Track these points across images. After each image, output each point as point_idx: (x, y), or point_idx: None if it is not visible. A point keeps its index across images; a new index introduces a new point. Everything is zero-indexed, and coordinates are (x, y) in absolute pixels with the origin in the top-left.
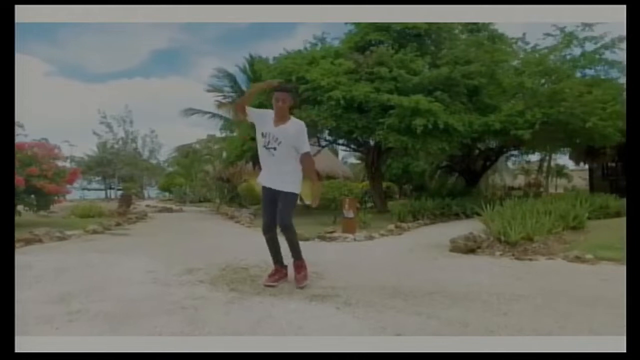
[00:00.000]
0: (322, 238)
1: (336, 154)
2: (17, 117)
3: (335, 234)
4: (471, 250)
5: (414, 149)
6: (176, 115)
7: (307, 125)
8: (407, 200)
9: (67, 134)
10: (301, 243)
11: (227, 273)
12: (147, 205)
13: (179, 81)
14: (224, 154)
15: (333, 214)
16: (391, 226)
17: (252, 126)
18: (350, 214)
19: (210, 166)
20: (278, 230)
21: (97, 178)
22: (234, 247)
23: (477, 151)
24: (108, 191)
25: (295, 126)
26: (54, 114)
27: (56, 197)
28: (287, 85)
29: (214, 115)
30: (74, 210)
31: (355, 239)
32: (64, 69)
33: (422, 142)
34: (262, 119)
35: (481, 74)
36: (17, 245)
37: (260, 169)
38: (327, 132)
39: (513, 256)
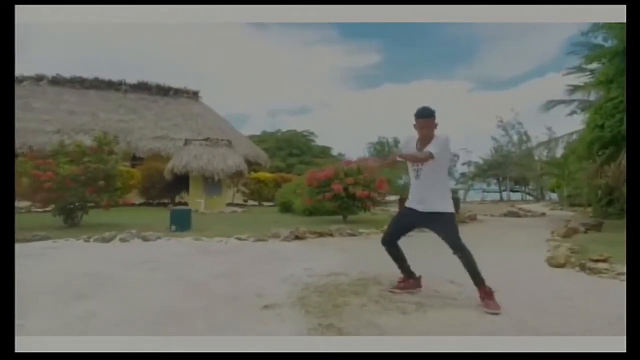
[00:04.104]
0: (582, 267)
1: None
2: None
3: (602, 264)
4: None
5: None
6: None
7: None
8: None
9: (477, 141)
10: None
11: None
12: (520, 208)
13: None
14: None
15: None
16: None
17: (598, 110)
18: None
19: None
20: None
21: (494, 181)
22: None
23: None
24: (502, 193)
25: (435, 140)
26: (471, 125)
27: (369, 202)
28: (427, 110)
29: (571, 102)
30: None
31: None
32: (481, 83)
33: None
34: (408, 148)
35: None
36: (310, 236)
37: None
38: None
39: None
